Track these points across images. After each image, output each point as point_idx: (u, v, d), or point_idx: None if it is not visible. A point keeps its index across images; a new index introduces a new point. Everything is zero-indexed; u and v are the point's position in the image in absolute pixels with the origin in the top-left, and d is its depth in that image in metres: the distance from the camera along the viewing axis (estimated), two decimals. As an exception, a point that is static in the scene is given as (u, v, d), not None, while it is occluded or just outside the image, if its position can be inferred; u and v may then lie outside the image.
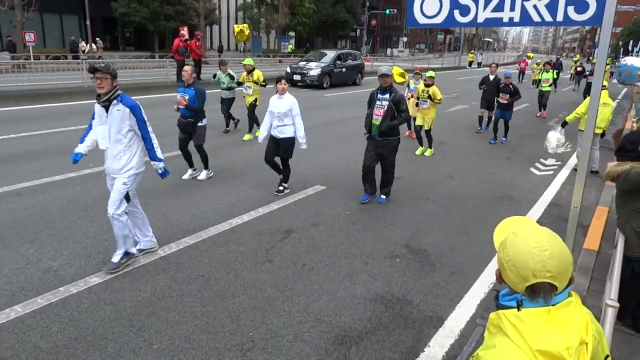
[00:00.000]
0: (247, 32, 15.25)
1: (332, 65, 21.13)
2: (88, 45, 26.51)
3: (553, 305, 1.23)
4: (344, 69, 22.02)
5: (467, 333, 3.66)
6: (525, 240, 1.26)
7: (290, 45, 42.21)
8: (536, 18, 3.58)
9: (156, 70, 21.08)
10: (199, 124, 6.95)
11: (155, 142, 4.39)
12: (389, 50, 70.94)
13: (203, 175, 7.13)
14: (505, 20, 3.72)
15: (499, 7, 3.71)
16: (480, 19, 3.76)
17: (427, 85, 9.18)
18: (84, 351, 3.25)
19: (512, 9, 3.64)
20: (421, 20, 4.07)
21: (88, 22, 32.07)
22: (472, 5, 3.79)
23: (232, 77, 10.06)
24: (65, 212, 5.63)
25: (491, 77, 11.55)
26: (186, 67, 6.82)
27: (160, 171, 4.54)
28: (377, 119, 6.09)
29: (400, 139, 6.40)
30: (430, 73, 9.34)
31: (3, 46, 26.39)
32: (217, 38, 50.78)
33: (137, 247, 4.62)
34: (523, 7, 3.62)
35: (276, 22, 42.74)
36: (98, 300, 3.86)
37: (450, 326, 3.75)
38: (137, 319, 3.64)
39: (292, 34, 51.38)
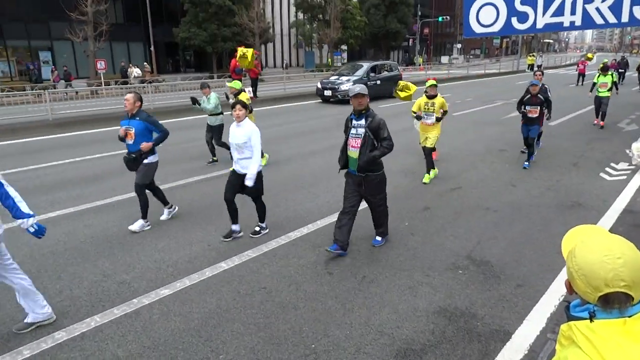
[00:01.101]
0: (250, 57, 15.05)
1: (365, 78, 20.03)
2: (135, 69, 27.75)
3: (629, 316, 1.18)
4: (378, 82, 20.62)
5: (537, 348, 3.50)
6: (595, 248, 1.22)
7: (330, 60, 41.78)
8: (599, 20, 3.43)
9: (217, 90, 21.93)
10: (146, 160, 5.84)
11: (16, 196, 3.62)
12: (443, 58, 69.76)
13: (136, 226, 5.83)
14: (566, 24, 3.59)
15: (559, 12, 3.58)
16: (539, 25, 3.65)
17: (430, 97, 7.76)
18: (157, 360, 3.43)
19: (573, 12, 3.50)
20: (478, 29, 4.02)
21: (152, 48, 34.05)
22: (531, 11, 3.69)
23: (217, 101, 9.09)
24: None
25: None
26: (127, 96, 5.76)
27: (31, 229, 3.68)
28: (353, 152, 4.94)
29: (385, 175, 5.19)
30: (431, 82, 7.83)
31: (77, 74, 28.65)
32: (272, 55, 52.22)
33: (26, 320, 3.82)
34: (584, 10, 3.48)
35: (328, 37, 43.37)
36: (168, 311, 4.06)
37: (518, 341, 3.60)
38: (205, 329, 3.78)
39: (344, 47, 51.89)
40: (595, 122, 13.48)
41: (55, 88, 20.18)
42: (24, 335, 3.74)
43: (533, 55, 48.01)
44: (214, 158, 9.32)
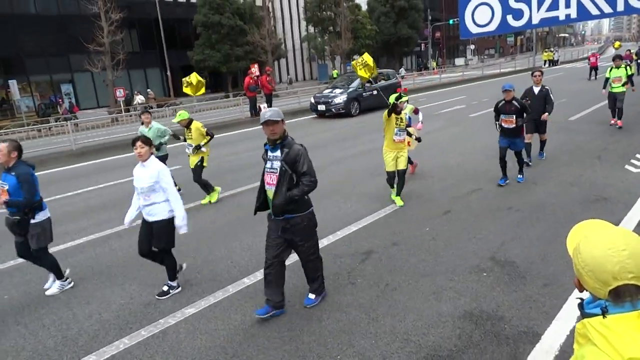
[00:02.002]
0: (195, 83, 12.07)
1: (360, 89, 18.87)
2: (139, 96, 28.21)
3: None
4: (375, 92, 18.88)
5: (568, 348, 3.41)
6: (599, 242, 1.20)
7: (336, 71, 41.93)
8: (594, 11, 3.39)
9: (232, 109, 22.34)
10: (33, 220, 4.84)
11: None
12: (457, 60, 69.38)
13: (55, 288, 5.03)
14: (562, 18, 3.56)
15: (554, 6, 3.55)
16: (535, 21, 3.63)
17: (399, 113, 6.80)
18: (185, 378, 3.46)
19: (568, 5, 3.47)
20: (474, 29, 4.01)
21: (169, 73, 34.82)
22: (525, 8, 3.67)
23: (160, 130, 8.37)
24: (160, 249, 6.07)
25: (536, 90, 8.68)
26: (0, 146, 4.72)
27: None
28: (270, 190, 4.00)
29: (311, 218, 4.16)
30: (398, 96, 6.74)
31: (98, 103, 29.54)
32: (285, 70, 52.78)
33: None
34: (579, 2, 3.44)
35: (340, 48, 43.65)
36: (194, 329, 4.11)
37: (548, 342, 3.52)
38: (230, 346, 3.81)
39: (356, 57, 52.17)
40: (612, 122, 11.85)
41: (65, 120, 20.83)
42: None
43: (550, 51, 47.27)
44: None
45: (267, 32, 37.39)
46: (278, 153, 3.92)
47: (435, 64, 56.30)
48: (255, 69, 18.24)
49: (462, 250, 5.26)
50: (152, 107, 24.33)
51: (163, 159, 8.20)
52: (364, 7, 52.26)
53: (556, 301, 4.06)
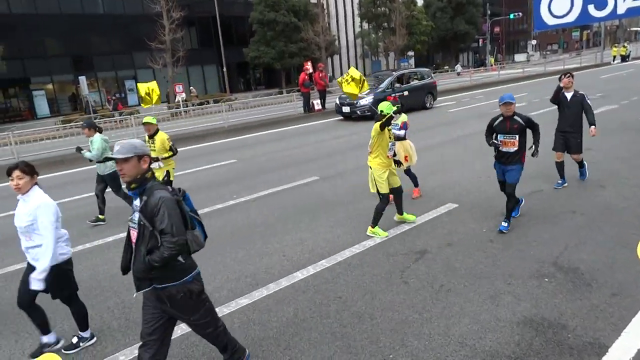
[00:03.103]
0: (153, 94, 10.31)
1: (388, 90, 17.51)
2: (184, 94, 28.78)
3: None
4: (405, 92, 18.07)
5: (640, 363, 3.19)
6: None
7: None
8: None
9: (285, 105, 22.60)
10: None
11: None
12: (516, 56, 66.69)
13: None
14: (655, 6, 3.29)
15: (645, -7, 3.29)
16: (620, 10, 3.40)
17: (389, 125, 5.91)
18: (238, 367, 3.53)
19: None
20: (550, 21, 3.81)
21: (225, 69, 35.75)
22: (610, -4, 3.42)
23: (103, 144, 7.18)
24: (216, 240, 6.22)
25: (568, 95, 7.00)
26: None
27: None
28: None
29: (196, 288, 3.09)
30: (385, 106, 5.89)
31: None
32: (338, 67, 52.79)
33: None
34: None
35: (394, 44, 43.09)
36: (247, 320, 4.19)
37: (616, 354, 3.31)
38: (283, 338, 3.86)
39: (410, 53, 51.29)
40: None
41: (113, 116, 21.82)
42: (119, 342, 4.03)
43: (623, 46, 44.13)
44: (100, 217, 7.43)
45: (321, 28, 37.53)
46: (138, 202, 2.93)
47: (493, 60, 54.34)
48: (309, 66, 18.36)
49: (522, 253, 5.05)
50: (193, 104, 25.06)
51: (113, 176, 7.29)
52: (420, 3, 51.26)
53: (625, 313, 3.81)
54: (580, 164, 7.47)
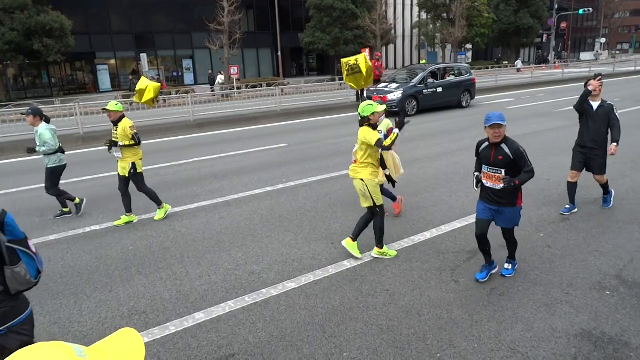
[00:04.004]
0: (147, 91, 7.55)
1: (420, 85, 16.38)
2: (223, 77, 28.98)
3: None
4: (439, 89, 16.79)
5: None
6: None
7: (424, 60, 38.43)
8: None
9: (337, 92, 22.51)
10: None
11: None
12: (582, 55, 63.22)
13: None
14: None
15: None
16: None
17: (374, 126, 4.95)
18: (284, 350, 3.57)
19: None
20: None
21: (279, 54, 35.96)
22: None
23: (48, 135, 6.40)
24: (265, 222, 6.32)
25: (594, 105, 5.92)
26: None
27: None
28: None
29: None
30: (368, 107, 4.86)
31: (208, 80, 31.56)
32: (392, 56, 51.94)
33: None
34: None
35: (452, 36, 41.82)
36: (294, 304, 4.22)
37: (685, 379, 3.08)
38: (329, 325, 3.86)
39: (469, 46, 49.67)
40: None
41: (170, 93, 22.29)
42: (170, 312, 4.16)
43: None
44: (64, 209, 6.90)
45: (379, 16, 36.89)
46: None
47: (558, 57, 51.71)
48: (366, 54, 18.12)
49: (582, 263, 4.80)
50: (232, 88, 25.18)
51: (54, 171, 6.66)
52: (483, -6, 49.34)
53: (697, 335, 3.54)
54: (606, 189, 6.29)
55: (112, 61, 36.78)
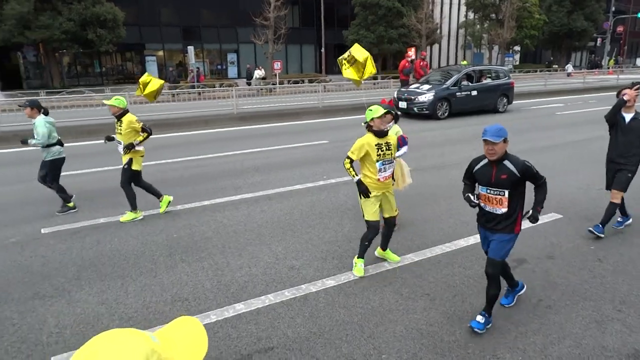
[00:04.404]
0: (150, 86, 7.31)
1: (453, 87, 15.70)
2: (261, 71, 28.97)
3: None
4: (474, 92, 16.02)
5: None
6: None
7: (465, 61, 36.52)
8: None
9: (379, 91, 22.33)
10: None
11: None
12: (638, 61, 60.21)
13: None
14: None
15: None
16: None
17: (380, 135, 4.65)
18: (322, 347, 3.57)
19: None
20: None
21: (323, 50, 35.99)
22: None
23: (44, 129, 6.30)
24: (305, 218, 6.34)
25: (627, 117, 5.42)
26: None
27: None
28: None
29: None
30: (376, 109, 4.54)
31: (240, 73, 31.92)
32: (437, 56, 51.06)
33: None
34: None
35: (500, 37, 40.66)
36: (333, 301, 4.21)
37: None
38: (367, 325, 3.83)
39: (517, 48, 48.18)
40: None
41: (214, 86, 22.60)
42: (211, 301, 4.24)
43: None
44: (69, 204, 6.74)
45: (425, 15, 36.33)
46: None
47: (613, 62, 49.41)
48: (412, 53, 17.91)
49: (636, 280, 4.56)
50: (275, 83, 25.18)
51: (53, 164, 6.57)
52: (535, -6, 47.70)
53: None
54: (622, 207, 5.71)
55: (160, 53, 37.83)
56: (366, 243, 4.70)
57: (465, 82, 16.12)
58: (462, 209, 6.60)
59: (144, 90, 7.38)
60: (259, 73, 28.84)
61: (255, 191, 7.53)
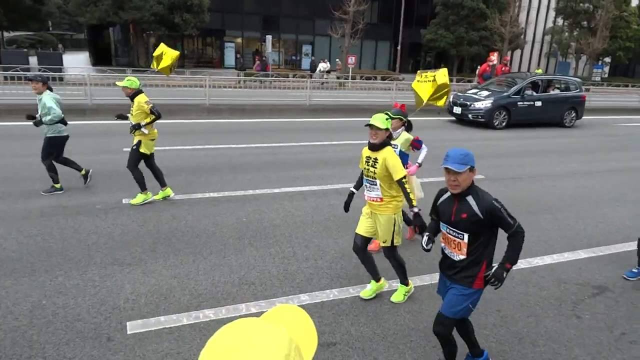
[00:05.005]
0: (166, 58, 7.27)
1: (515, 96, 14.50)
2: (326, 65, 28.62)
3: None
4: (538, 103, 14.76)
5: None
6: None
7: (539, 69, 33.09)
8: None
9: (452, 94, 21.62)
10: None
11: None
12: None
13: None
14: None
15: None
16: None
17: (373, 148, 4.01)
18: (385, 349, 3.51)
19: None
20: None
21: (399, 48, 35.47)
22: None
23: (51, 103, 6.24)
24: (372, 216, 6.27)
25: None
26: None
27: None
28: None
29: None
30: (379, 118, 3.91)
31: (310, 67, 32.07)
32: (517, 62, 48.77)
33: None
34: None
35: (590, 47, 38.06)
36: (397, 305, 4.13)
37: None
38: (433, 335, 3.69)
39: (607, 59, 44.89)
40: None
41: (287, 76, 22.77)
42: (277, 288, 4.29)
43: None
44: (83, 171, 6.81)
45: (510, 18, 34.74)
46: None
47: None
48: (494, 57, 17.16)
49: None
50: (338, 77, 24.86)
51: (56, 141, 6.52)
52: (635, 3, 44.14)
53: None
54: None
55: (239, 40, 38.92)
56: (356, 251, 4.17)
57: (529, 92, 14.92)
58: (542, 224, 6.26)
59: (158, 65, 7.28)
60: (323, 66, 28.89)
61: (323, 184, 7.55)
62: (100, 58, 35.07)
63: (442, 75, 6.32)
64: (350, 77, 26.43)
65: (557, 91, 15.71)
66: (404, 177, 3.84)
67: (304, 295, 4.19)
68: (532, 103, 14.76)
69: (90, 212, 5.92)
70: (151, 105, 6.11)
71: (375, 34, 40.30)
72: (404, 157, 5.01)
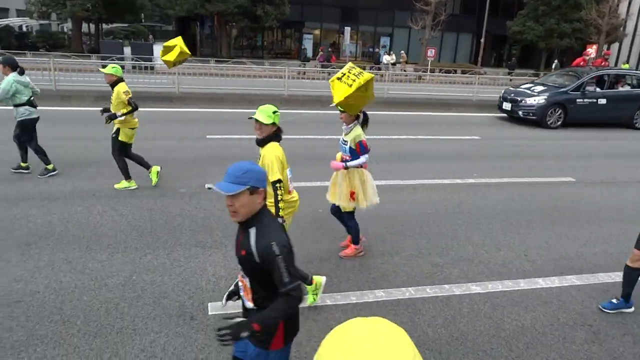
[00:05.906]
0: (171, 56, 7.04)
1: (575, 92, 12.94)
2: (390, 57, 27.70)
3: None
4: (602, 100, 13.06)
5: None
6: None
7: (626, 65, 29.32)
8: None
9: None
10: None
11: None
12: None
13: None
14: None
15: None
16: None
17: (259, 143, 3.62)
18: (463, 355, 3.37)
19: None
20: None
21: (482, 40, 33.97)
22: None
23: (8, 86, 6.32)
24: (451, 214, 6.06)
25: None
26: None
27: None
28: None
29: None
30: (264, 112, 3.50)
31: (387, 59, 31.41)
32: (615, 57, 44.87)
33: None
34: None
35: None
36: (477, 310, 3.95)
37: None
38: (516, 345, 3.52)
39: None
40: None
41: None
42: (352, 282, 4.28)
43: None
44: (23, 164, 6.78)
45: (609, 9, 31.92)
46: None
47: None
48: (592, 51, 15.88)
49: None
50: (426, 71, 24.12)
51: (25, 124, 6.57)
52: None
53: None
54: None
55: (317, 31, 39.19)
56: None
57: (591, 87, 13.19)
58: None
59: (164, 54, 7.21)
60: (387, 58, 28.27)
61: (399, 179, 7.40)
62: (187, 49, 36.85)
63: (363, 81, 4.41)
64: (429, 70, 25.70)
65: (627, 87, 13.91)
66: (279, 181, 3.40)
67: (380, 292, 4.14)
68: (594, 100, 13.09)
69: (174, 195, 6.24)
70: (129, 96, 6.14)
71: (457, 25, 38.80)
72: (355, 155, 4.48)
